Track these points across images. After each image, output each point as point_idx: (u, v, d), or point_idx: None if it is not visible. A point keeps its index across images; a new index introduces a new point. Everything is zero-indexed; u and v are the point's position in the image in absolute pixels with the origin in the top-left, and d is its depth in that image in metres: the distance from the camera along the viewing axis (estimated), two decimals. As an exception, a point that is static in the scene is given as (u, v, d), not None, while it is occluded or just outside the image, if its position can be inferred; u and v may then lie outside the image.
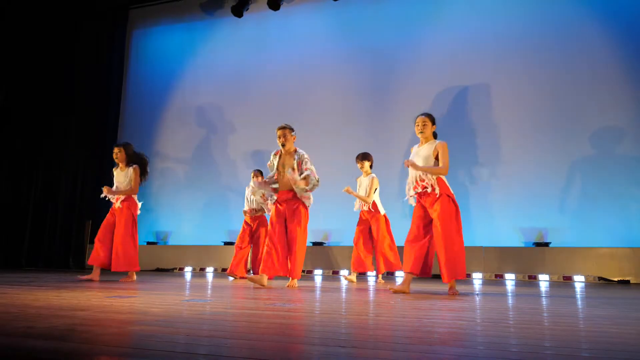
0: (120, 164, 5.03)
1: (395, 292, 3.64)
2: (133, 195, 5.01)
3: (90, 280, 4.68)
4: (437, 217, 3.61)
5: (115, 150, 5.05)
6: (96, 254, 4.86)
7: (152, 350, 1.43)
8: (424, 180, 3.71)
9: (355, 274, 5.33)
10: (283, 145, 4.34)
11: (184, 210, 8.26)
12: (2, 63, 7.77)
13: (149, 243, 8.13)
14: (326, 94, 7.78)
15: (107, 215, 5.02)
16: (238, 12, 8.26)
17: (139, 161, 5.07)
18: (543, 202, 6.43)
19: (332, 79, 7.81)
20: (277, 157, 4.41)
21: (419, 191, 3.74)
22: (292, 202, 4.29)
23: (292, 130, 4.42)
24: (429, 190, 3.68)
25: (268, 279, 4.21)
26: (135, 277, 4.95)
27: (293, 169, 4.23)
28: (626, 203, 6.10)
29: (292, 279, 4.31)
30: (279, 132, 4.35)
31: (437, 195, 3.65)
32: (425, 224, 3.73)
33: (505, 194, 6.64)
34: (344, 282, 5.20)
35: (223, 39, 8.67)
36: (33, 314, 2.23)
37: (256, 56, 8.35)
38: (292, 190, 4.27)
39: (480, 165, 6.83)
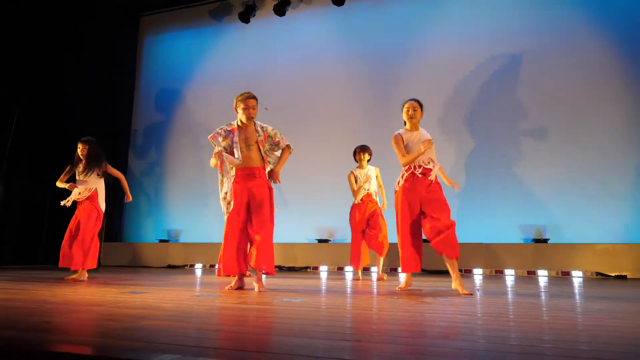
0: (84, 161, 4.61)
1: (403, 289, 3.54)
2: (100, 192, 4.63)
3: (82, 281, 4.30)
4: (436, 199, 3.45)
5: (81, 146, 4.61)
6: (71, 255, 4.45)
7: (164, 344, 1.44)
8: (430, 164, 3.52)
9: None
10: (251, 118, 3.53)
11: (195, 210, 8.28)
12: (18, 74, 7.81)
13: (160, 241, 8.17)
14: (330, 96, 7.78)
15: (75, 212, 4.64)
16: (245, 18, 8.27)
17: (103, 158, 4.67)
18: (541, 200, 6.39)
19: (336, 81, 7.80)
20: (234, 132, 3.56)
21: (418, 173, 3.50)
22: (257, 181, 3.54)
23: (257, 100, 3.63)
24: (432, 178, 3.50)
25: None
26: (86, 275, 4.48)
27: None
28: (622, 200, 6.06)
29: (264, 275, 3.59)
30: (252, 102, 3.51)
31: (432, 181, 3.50)
32: (417, 215, 3.51)
33: (505, 192, 6.61)
34: (349, 278, 5.19)
35: (231, 44, 8.69)
36: (50, 309, 2.24)
37: (263, 60, 8.36)
38: (255, 166, 3.55)
39: (480, 164, 6.80)
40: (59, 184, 4.70)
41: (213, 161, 3.57)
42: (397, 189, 3.60)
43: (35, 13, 8.01)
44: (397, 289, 3.60)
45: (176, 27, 9.17)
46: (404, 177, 3.56)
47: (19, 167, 7.84)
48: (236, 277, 3.58)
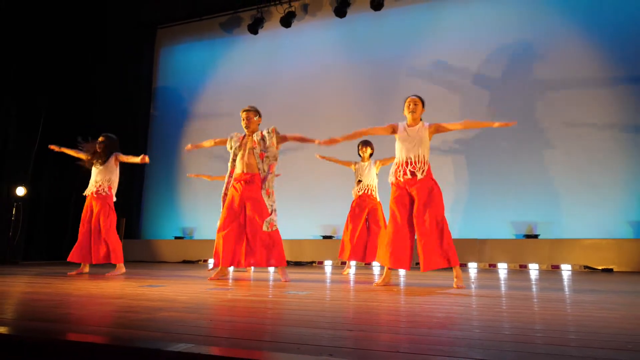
0: (102, 156, 4.48)
1: (379, 285, 3.18)
2: (113, 186, 4.48)
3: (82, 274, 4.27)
4: (428, 204, 3.07)
5: (100, 139, 4.50)
6: (86, 250, 4.37)
7: (180, 334, 1.44)
8: (417, 163, 3.17)
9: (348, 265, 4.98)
10: (247, 128, 3.79)
11: (208, 209, 8.29)
12: (45, 75, 7.83)
13: (176, 238, 8.19)
14: (334, 102, 7.78)
15: (86, 205, 4.45)
16: (254, 30, 8.30)
17: (116, 150, 4.56)
18: (532, 198, 6.36)
19: (339, 88, 7.80)
20: (240, 139, 3.85)
21: (408, 177, 3.15)
22: (252, 186, 3.65)
23: (256, 113, 3.82)
24: (419, 175, 3.14)
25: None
26: (124, 269, 4.38)
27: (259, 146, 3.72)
28: (608, 198, 6.02)
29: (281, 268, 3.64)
30: (243, 115, 3.80)
31: (425, 181, 3.14)
32: (409, 213, 3.14)
33: (497, 191, 6.58)
34: (351, 272, 5.18)
35: (240, 54, 8.72)
36: (74, 301, 2.25)
37: (270, 69, 8.38)
38: (252, 172, 3.69)
39: (473, 164, 6.78)
40: (69, 151, 4.61)
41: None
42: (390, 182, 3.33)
43: (63, 24, 8.04)
44: (374, 284, 3.24)
45: (190, 38, 9.21)
46: (393, 174, 3.28)
47: (45, 168, 7.88)
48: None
